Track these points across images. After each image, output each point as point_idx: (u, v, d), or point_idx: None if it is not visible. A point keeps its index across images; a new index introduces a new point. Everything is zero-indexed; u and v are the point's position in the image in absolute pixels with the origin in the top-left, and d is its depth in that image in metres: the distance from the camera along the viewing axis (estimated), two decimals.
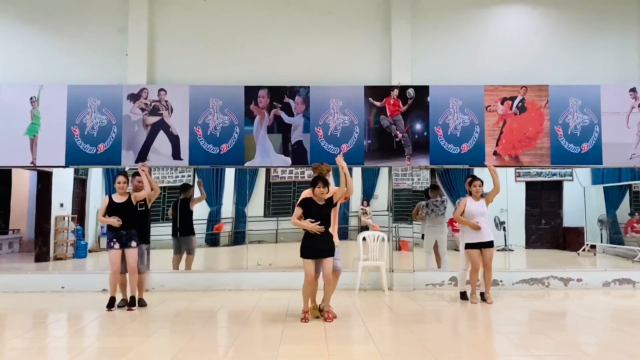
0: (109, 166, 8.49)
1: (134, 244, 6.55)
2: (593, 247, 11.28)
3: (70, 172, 10.47)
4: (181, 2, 8.58)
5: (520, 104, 8.30)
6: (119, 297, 6.66)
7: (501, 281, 8.11)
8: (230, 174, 11.29)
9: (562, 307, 6.91)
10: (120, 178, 6.68)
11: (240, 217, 11.54)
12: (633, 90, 8.38)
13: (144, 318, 6.16)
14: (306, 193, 6.00)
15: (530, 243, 11.84)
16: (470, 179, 7.15)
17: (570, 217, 11.93)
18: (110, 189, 10.92)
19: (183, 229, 8.93)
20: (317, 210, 5.80)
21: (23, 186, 10.76)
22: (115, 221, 6.49)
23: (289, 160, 8.21)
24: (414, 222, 8.62)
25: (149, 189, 6.78)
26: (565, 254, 11.41)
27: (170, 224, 9.02)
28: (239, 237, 11.47)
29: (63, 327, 5.97)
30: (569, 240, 11.72)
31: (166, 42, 8.49)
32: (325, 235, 5.79)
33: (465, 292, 7.13)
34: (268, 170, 11.37)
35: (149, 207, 6.98)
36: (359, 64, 8.52)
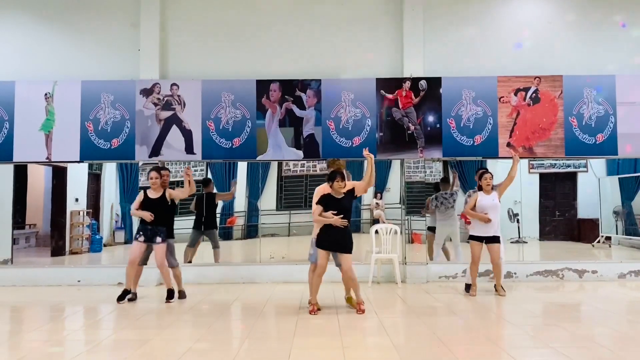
0: (122, 161, 8.57)
1: (158, 239, 6.58)
2: (608, 238, 11.18)
3: (84, 167, 10.56)
4: None
5: (534, 94, 8.21)
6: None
7: (515, 273, 8.07)
8: (242, 167, 11.32)
9: (576, 299, 6.87)
10: (153, 174, 6.66)
11: (252, 210, 11.58)
12: None
13: (160, 311, 6.22)
14: (322, 189, 5.93)
15: (544, 235, 11.77)
16: (480, 172, 7.02)
17: (585, 208, 11.83)
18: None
19: (207, 223, 9.03)
20: (338, 204, 5.73)
21: (39, 182, 10.88)
22: (148, 215, 6.53)
23: (300, 153, 8.22)
24: (426, 216, 8.60)
25: (188, 191, 6.76)
26: (580, 245, 11.32)
27: (190, 217, 9.10)
28: (251, 231, 11.51)
29: (80, 320, 6.05)
30: (584, 232, 11.62)
31: (178, 37, 8.52)
32: (345, 230, 5.71)
33: (470, 285, 7.05)
34: (280, 164, 11.37)
35: (177, 202, 7.02)
36: (370, 56, 8.49)
